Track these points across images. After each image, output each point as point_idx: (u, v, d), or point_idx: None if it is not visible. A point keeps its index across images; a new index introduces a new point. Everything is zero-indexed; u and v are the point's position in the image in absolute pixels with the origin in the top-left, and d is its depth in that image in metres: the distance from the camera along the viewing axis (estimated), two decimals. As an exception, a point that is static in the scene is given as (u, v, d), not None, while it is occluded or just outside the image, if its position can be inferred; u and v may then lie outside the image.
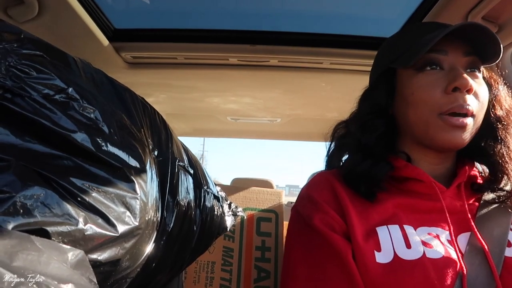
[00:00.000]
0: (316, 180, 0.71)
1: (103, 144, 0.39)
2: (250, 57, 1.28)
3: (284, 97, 1.62)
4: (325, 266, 0.57)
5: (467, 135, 0.61)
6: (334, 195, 0.64)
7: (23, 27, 0.93)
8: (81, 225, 0.36)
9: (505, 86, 0.69)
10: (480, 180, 0.68)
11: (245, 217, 1.27)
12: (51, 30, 1.10)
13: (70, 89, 0.37)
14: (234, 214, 0.92)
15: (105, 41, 1.21)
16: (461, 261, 0.53)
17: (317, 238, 0.59)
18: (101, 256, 0.42)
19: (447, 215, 0.59)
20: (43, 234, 0.34)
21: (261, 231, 1.25)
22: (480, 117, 0.63)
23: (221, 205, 0.86)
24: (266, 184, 2.04)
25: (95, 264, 0.41)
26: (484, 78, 0.66)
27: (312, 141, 2.21)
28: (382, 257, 0.54)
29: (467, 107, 0.59)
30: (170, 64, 1.36)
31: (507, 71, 1.00)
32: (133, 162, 0.43)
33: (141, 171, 0.45)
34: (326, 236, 0.58)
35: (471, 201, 0.65)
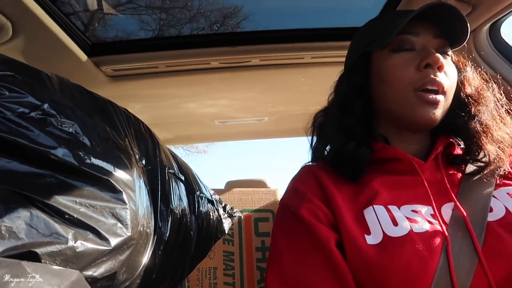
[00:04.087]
0: (300, 173, 0.73)
1: (85, 157, 0.38)
2: (232, 59, 1.28)
3: (269, 95, 1.62)
4: (309, 254, 0.58)
5: (439, 112, 0.64)
6: (319, 185, 0.66)
7: (-2, 50, 0.91)
8: (71, 243, 0.36)
9: (473, 68, 0.73)
10: (459, 151, 0.71)
11: (242, 219, 1.26)
12: (27, 51, 1.09)
13: (46, 105, 0.36)
14: (231, 216, 0.91)
15: (83, 57, 1.19)
16: (445, 232, 0.55)
17: (302, 227, 0.61)
18: (97, 272, 0.41)
19: (427, 187, 0.62)
20: (33, 256, 0.33)
21: (259, 232, 1.24)
22: (451, 95, 0.66)
23: (216, 209, 0.85)
24: (260, 184, 2.04)
25: (92, 281, 0.40)
26: (453, 62, 0.70)
27: (300, 136, 2.21)
28: (372, 238, 0.56)
29: (438, 81, 0.63)
30: (152, 74, 1.35)
31: (483, 48, 1.02)
32: (119, 173, 0.43)
33: (128, 180, 0.44)
34: (311, 225, 0.60)
35: (451, 172, 0.67)
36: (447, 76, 0.65)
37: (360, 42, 0.75)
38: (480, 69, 0.74)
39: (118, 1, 1.20)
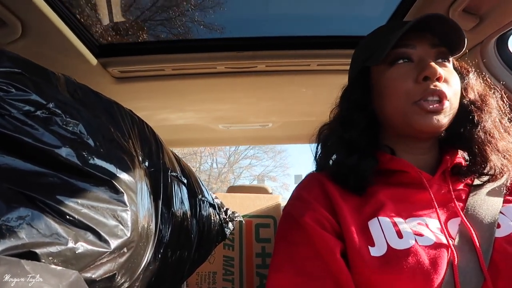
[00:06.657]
0: (306, 181, 0.72)
1: (89, 157, 0.38)
2: (238, 64, 1.28)
3: (273, 101, 1.62)
4: (312, 263, 0.57)
5: (444, 118, 0.63)
6: (325, 194, 0.65)
7: (7, 48, 0.92)
8: (71, 244, 0.35)
9: (476, 74, 0.72)
10: (466, 164, 0.69)
11: (243, 224, 1.25)
12: (35, 50, 1.09)
13: (51, 104, 0.36)
14: (232, 220, 0.91)
15: (91, 57, 1.20)
16: (452, 247, 0.54)
17: (305, 235, 0.60)
18: (96, 273, 0.40)
19: (435, 202, 0.61)
20: (32, 256, 0.33)
21: (260, 238, 1.23)
22: (455, 102, 0.65)
23: (217, 213, 0.85)
24: (262, 190, 2.03)
25: (90, 283, 0.40)
26: (455, 68, 0.69)
27: (304, 143, 2.21)
28: (377, 250, 0.55)
29: (440, 90, 0.61)
30: (158, 76, 1.36)
31: (491, 61, 1.01)
32: (122, 174, 0.42)
33: (130, 182, 0.44)
34: (315, 233, 0.59)
35: (459, 187, 0.66)
36: (449, 84, 0.64)
37: (358, 58, 0.75)
38: (483, 75, 0.73)
39: (126, 3, 1.20)
